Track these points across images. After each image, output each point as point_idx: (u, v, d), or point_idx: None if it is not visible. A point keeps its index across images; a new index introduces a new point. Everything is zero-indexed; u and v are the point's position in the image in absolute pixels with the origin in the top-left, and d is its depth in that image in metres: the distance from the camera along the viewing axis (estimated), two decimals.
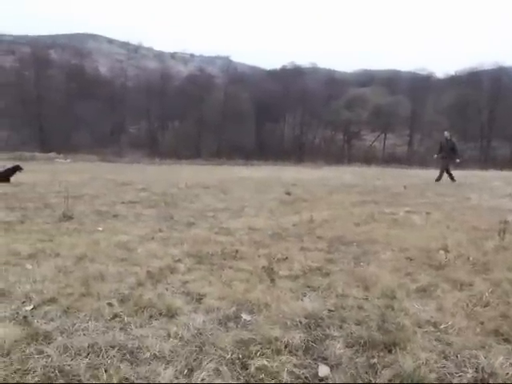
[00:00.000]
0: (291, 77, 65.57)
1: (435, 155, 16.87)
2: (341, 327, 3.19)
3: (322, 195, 11.63)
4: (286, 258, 4.94)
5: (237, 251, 5.12)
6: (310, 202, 10.21)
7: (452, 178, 16.13)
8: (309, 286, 4.05)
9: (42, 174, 17.55)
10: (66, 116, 55.46)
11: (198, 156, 45.41)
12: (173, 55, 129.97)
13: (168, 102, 60.72)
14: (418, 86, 62.36)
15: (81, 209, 8.32)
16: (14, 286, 3.84)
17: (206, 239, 5.80)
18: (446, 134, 16.52)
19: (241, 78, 68.56)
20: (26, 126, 55.20)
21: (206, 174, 19.06)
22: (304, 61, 79.72)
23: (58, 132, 53.71)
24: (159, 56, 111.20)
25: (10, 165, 14.95)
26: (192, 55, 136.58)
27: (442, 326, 3.20)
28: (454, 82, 64.36)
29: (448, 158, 16.14)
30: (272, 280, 4.14)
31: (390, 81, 71.51)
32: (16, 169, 13.90)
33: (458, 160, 16.25)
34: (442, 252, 5.22)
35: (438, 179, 16.11)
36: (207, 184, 13.77)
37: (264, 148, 55.86)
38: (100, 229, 6.50)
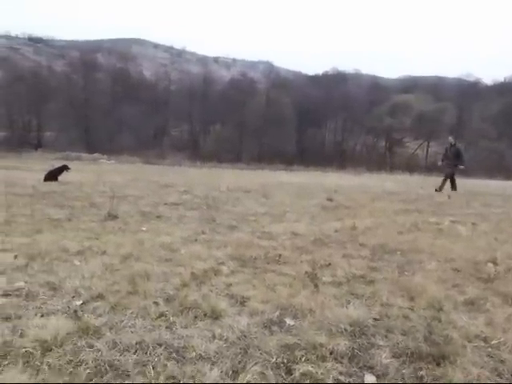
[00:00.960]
0: (333, 82, 65.30)
1: (439, 162, 16.09)
2: (386, 337, 3.14)
3: (364, 202, 11.49)
4: (329, 264, 4.90)
5: (280, 256, 5.12)
6: (352, 208, 10.10)
7: (454, 187, 15.29)
8: (353, 294, 4.01)
9: (87, 173, 18.09)
10: (110, 118, 57.04)
11: (238, 160, 45.76)
12: (216, 59, 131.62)
13: (210, 106, 61.45)
14: (464, 93, 60.87)
15: (125, 209, 8.51)
16: (64, 280, 3.97)
17: (248, 243, 5.83)
18: (451, 139, 15.76)
19: (283, 83, 68.66)
20: (73, 128, 57.02)
21: (247, 178, 19.18)
22: (347, 66, 79.38)
23: (102, 134, 55.29)
24: (202, 60, 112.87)
25: (58, 164, 15.48)
26: (234, 60, 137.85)
27: (493, 342, 3.10)
28: (504, 88, 62.39)
29: (452, 165, 15.31)
30: (316, 286, 4.11)
31: (435, 87, 70.13)
32: (64, 168, 14.38)
33: (461, 166, 15.36)
34: (490, 264, 5.06)
35: (439, 189, 15.25)
36: (248, 188, 13.83)
37: (305, 153, 55.73)
38: (144, 229, 6.63)
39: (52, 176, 13.76)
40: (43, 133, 60.84)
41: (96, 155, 39.17)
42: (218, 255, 5.13)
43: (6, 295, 3.59)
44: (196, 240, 5.99)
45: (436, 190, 15.16)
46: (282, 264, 4.90)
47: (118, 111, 57.69)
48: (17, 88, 56.67)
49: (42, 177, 13.85)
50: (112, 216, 7.41)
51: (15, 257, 4.62)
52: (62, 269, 4.34)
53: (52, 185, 12.48)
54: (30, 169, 21.26)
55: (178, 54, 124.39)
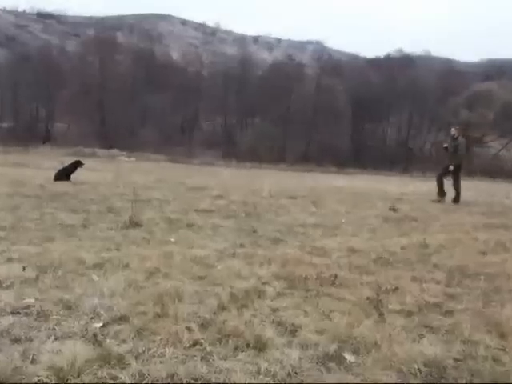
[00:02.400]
0: (398, 67, 64.61)
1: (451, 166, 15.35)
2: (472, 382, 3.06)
3: (435, 214, 11.34)
4: (396, 288, 4.83)
5: (335, 276, 5.08)
6: (421, 221, 9.98)
7: (440, 192, 14.65)
8: (426, 326, 3.93)
9: (103, 172, 18.50)
10: (131, 108, 58.00)
11: (281, 160, 45.81)
12: (255, 39, 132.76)
13: (248, 95, 61.83)
14: None
15: (149, 215, 8.64)
16: (80, 298, 4.05)
17: (297, 260, 5.81)
18: (453, 130, 15.11)
19: (336, 68, 68.46)
20: (87, 118, 58.17)
21: (293, 182, 19.19)
22: (414, 47, 78.60)
23: (122, 126, 56.16)
24: (239, 40, 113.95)
25: (69, 161, 15.85)
26: (278, 40, 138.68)
27: None
28: None
29: (453, 163, 14.59)
30: (380, 314, 4.06)
31: None
32: (77, 165, 14.72)
33: (451, 167, 14.50)
34: None
35: (456, 200, 14.43)
36: (294, 193, 13.84)
37: (361, 153, 55.32)
38: (172, 240, 6.71)
39: (63, 175, 14.12)
40: (53, 124, 62.54)
41: (114, 151, 40.05)
42: (260, 273, 5.14)
43: (14, 313, 3.69)
44: (234, 254, 6.02)
45: (454, 202, 14.33)
46: (339, 286, 4.87)
47: (140, 100, 58.71)
48: (23, 71, 58.56)
49: (52, 175, 14.22)
50: (134, 223, 7.53)
51: (23, 268, 4.75)
52: (77, 284, 4.43)
53: (64, 185, 12.81)
54: (38, 166, 21.92)
55: (210, 33, 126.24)
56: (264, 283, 4.82)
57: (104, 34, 66.56)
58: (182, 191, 13.10)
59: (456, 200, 14.34)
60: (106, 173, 18.12)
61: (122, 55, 67.11)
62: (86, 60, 63.03)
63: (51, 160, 26.24)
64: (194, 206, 10.13)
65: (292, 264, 5.58)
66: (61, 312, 3.77)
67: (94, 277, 4.69)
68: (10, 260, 5.14)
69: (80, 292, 4.21)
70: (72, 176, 14.34)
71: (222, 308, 4.02)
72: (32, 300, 3.94)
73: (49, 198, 10.16)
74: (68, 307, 3.87)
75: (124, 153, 39.87)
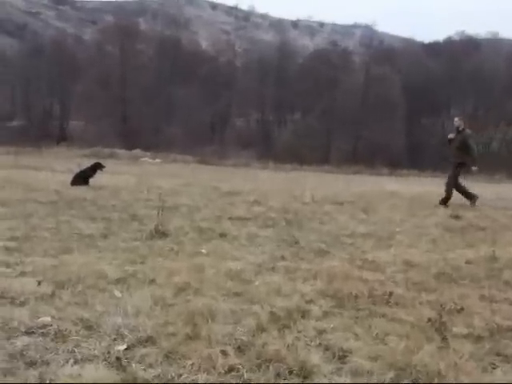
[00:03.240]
0: (460, 52, 63.78)
1: (474, 168, 14.54)
2: None
3: (506, 222, 11.13)
4: (462, 309, 4.75)
5: (390, 294, 5.03)
6: (489, 230, 9.81)
7: (468, 197, 14.02)
8: (499, 354, 3.86)
9: (125, 176, 18.69)
10: (155, 103, 58.57)
11: (326, 161, 45.70)
12: (295, 24, 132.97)
13: (287, 87, 61.89)
14: None
15: (177, 223, 8.72)
16: (102, 317, 4.11)
17: (345, 274, 5.78)
18: (457, 121, 14.42)
19: (388, 55, 68.09)
20: (106, 115, 58.87)
21: (339, 186, 19.07)
22: (479, 28, 77.42)
23: (145, 124, 56.74)
24: (277, 25, 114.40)
25: (87, 163, 16.09)
26: (321, 24, 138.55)
27: None
28: None
29: (456, 163, 14.00)
30: (444, 339, 3.99)
31: None
32: (96, 167, 14.91)
33: (474, 167, 14.07)
34: None
35: (444, 201, 13.87)
36: (341, 199, 13.75)
37: (418, 152, 54.81)
38: (203, 251, 6.76)
39: (81, 178, 14.30)
40: (68, 122, 63.67)
41: (137, 152, 40.40)
42: (304, 290, 5.13)
43: (29, 333, 3.76)
44: (273, 268, 6.03)
45: (440, 203, 13.80)
46: (394, 306, 4.83)
47: (165, 94, 59.35)
48: (35, 63, 59.83)
49: (68, 179, 14.44)
50: (160, 233, 7.60)
51: (38, 283, 4.84)
52: (98, 301, 4.49)
53: (81, 190, 12.99)
54: (53, 168, 22.25)
55: (244, 18, 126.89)
56: (308, 301, 4.82)
57: (124, 20, 67.41)
58: (213, 196, 13.15)
59: (445, 201, 13.88)
60: (129, 176, 18.30)
61: (145, 44, 67.96)
62: (104, 50, 64.02)
63: (67, 162, 26.64)
64: (227, 214, 10.18)
65: (340, 279, 5.55)
66: (80, 332, 3.82)
67: (117, 293, 4.75)
68: (23, 274, 5.24)
69: (101, 310, 4.27)
70: (90, 180, 14.53)
71: (261, 329, 4.02)
72: (48, 318, 4.01)
73: (65, 205, 10.31)
74: (88, 327, 3.92)
75: (148, 153, 40.17)
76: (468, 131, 14.22)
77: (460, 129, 14.14)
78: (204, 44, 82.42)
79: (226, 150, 51.68)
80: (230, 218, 9.68)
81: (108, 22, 78.50)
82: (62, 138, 58.31)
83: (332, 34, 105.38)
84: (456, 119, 14.55)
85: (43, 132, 56.76)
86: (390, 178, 29.52)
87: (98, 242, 7.10)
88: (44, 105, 64.40)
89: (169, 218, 8.96)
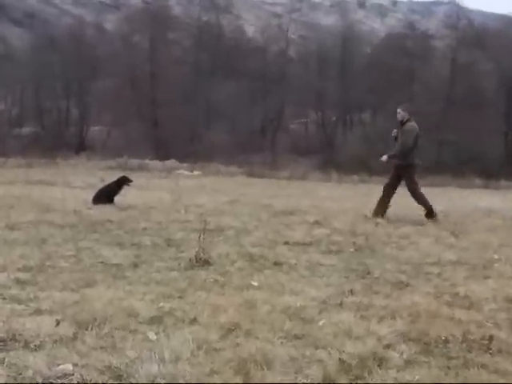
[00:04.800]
0: None
1: (384, 156, 14.14)
2: None
3: None
4: None
5: (490, 338, 4.92)
6: None
7: (427, 210, 13.87)
8: None
9: (158, 192, 18.93)
10: (192, 104, 58.92)
11: None
12: (361, 3, 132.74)
13: (354, 81, 61.66)
14: None
15: (222, 250, 8.74)
16: (133, 364, 4.11)
17: (431, 313, 5.68)
18: (399, 112, 14.07)
19: (480, 38, 66.89)
20: (134, 120, 59.54)
21: None
22: None
23: (180, 129, 57.00)
24: (339, 5, 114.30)
25: (111, 177, 16.32)
26: (394, 2, 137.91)
27: None
28: None
29: (398, 159, 13.87)
30: None
31: None
32: (122, 182, 15.13)
33: (384, 156, 13.89)
34: None
35: (428, 214, 13.82)
36: (422, 218, 13.59)
37: None
38: (255, 283, 6.74)
39: (105, 196, 14.53)
40: (88, 128, 64.57)
41: (171, 163, 40.90)
42: (381, 332, 5.05)
43: None
44: (341, 304, 5.96)
45: (427, 217, 13.76)
46: (496, 354, 4.71)
47: (204, 92, 59.57)
48: (48, 59, 60.90)
49: (90, 197, 14.67)
50: (202, 261, 7.62)
51: (57, 323, 4.88)
52: (129, 345, 4.50)
53: (105, 210, 13.16)
54: (70, 184, 22.71)
55: None
56: (386, 346, 4.74)
57: (154, 4, 68.19)
58: (265, 216, 13.16)
59: (429, 215, 13.80)
60: (162, 192, 18.50)
61: (179, 32, 68.44)
62: (130, 41, 64.51)
63: (87, 176, 27.20)
64: (283, 237, 10.17)
65: (425, 319, 5.46)
66: (108, 382, 3.84)
67: (151, 335, 4.76)
68: (38, 312, 5.28)
69: (132, 356, 4.27)
70: (116, 198, 14.73)
71: (329, 380, 3.98)
72: (69, 366, 4.03)
73: (86, 228, 10.46)
74: (117, 376, 3.94)
75: (184, 165, 40.63)
76: (410, 124, 13.89)
77: (403, 120, 13.99)
78: (250, 31, 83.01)
79: (280, 159, 51.73)
80: (286, 243, 9.68)
81: (134, 6, 79.86)
82: (81, 147, 59.20)
83: (408, 13, 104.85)
84: (398, 110, 14.18)
85: (59, 140, 57.64)
86: (484, 192, 29.17)
87: (127, 272, 7.15)
88: (59, 108, 65.36)
89: (212, 243, 8.99)
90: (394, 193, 14.24)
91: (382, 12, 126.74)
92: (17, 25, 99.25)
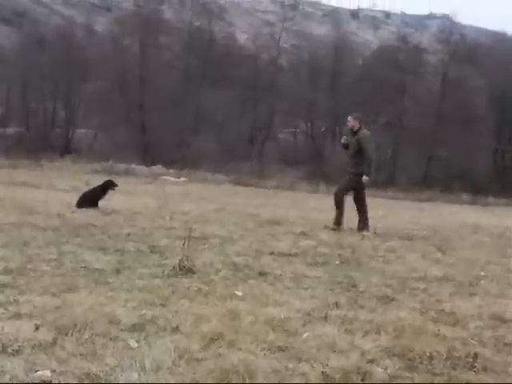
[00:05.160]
0: None
1: (365, 177, 13.88)
2: None
3: None
4: None
5: (475, 356, 4.93)
6: None
7: (362, 220, 13.96)
8: None
9: (143, 197, 18.93)
10: (181, 110, 58.92)
11: (390, 184, 45.52)
12: (354, 14, 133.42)
13: (344, 93, 61.90)
14: None
15: (206, 258, 8.72)
16: (113, 372, 4.09)
17: (416, 329, 5.68)
18: (350, 121, 14.22)
19: (472, 54, 67.38)
20: (121, 123, 59.52)
21: (407, 215, 18.97)
22: None
23: (168, 134, 57.02)
24: (332, 16, 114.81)
25: (96, 181, 16.30)
26: (387, 14, 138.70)
27: None
28: None
29: (353, 173, 13.89)
30: None
31: None
32: (107, 186, 15.10)
33: (365, 178, 13.65)
34: None
35: (338, 221, 13.89)
36: (410, 232, 13.69)
37: (508, 176, 54.07)
38: (239, 293, 6.73)
39: (89, 200, 14.49)
40: (74, 130, 64.47)
41: (156, 168, 40.90)
42: (365, 347, 5.05)
43: None
44: (326, 317, 5.94)
45: (333, 228, 13.72)
46: (481, 372, 4.72)
47: (193, 99, 59.62)
48: (36, 59, 60.81)
49: (74, 200, 14.63)
50: (186, 269, 7.59)
51: (36, 328, 4.86)
52: (109, 352, 4.47)
53: (89, 214, 13.14)
54: (54, 186, 22.64)
55: (292, 6, 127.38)
56: (370, 361, 4.73)
57: (146, 8, 68.09)
58: (251, 226, 13.18)
59: (363, 228, 13.82)
60: (147, 198, 18.50)
61: (170, 37, 68.44)
62: (120, 44, 64.45)
63: (72, 179, 27.15)
64: (268, 248, 10.17)
65: (409, 335, 5.46)
66: None
67: (132, 342, 4.74)
68: (17, 316, 5.25)
69: (113, 363, 4.25)
70: (100, 202, 14.69)
71: None
72: (48, 373, 4.00)
73: (69, 232, 10.43)
74: None
75: (171, 171, 40.64)
76: (364, 132, 13.94)
77: (354, 129, 14.01)
78: (242, 38, 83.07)
79: (267, 169, 51.78)
80: (271, 254, 9.66)
81: (126, 9, 79.81)
82: (66, 149, 59.04)
83: (401, 26, 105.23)
84: (349, 119, 14.30)
85: (44, 142, 57.48)
86: (471, 208, 29.30)
87: (110, 278, 7.12)
88: (46, 109, 65.17)
89: (196, 250, 8.98)
90: (364, 202, 14.26)
91: (374, 24, 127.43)
92: (5, 23, 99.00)
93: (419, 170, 55.36)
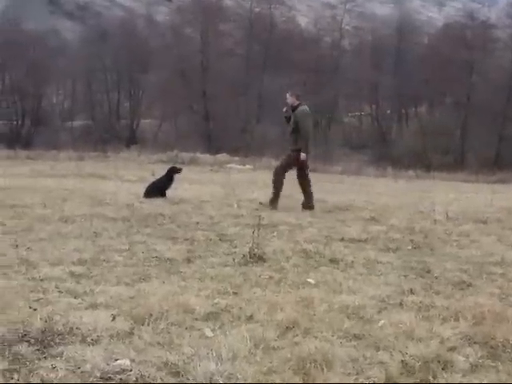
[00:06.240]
0: None
1: (303, 154, 13.69)
2: None
3: None
4: None
5: None
6: None
7: (307, 199, 13.75)
8: None
9: (209, 186, 19.04)
10: (244, 96, 58.94)
11: (460, 166, 44.80)
12: None
13: (410, 74, 60.98)
14: None
15: (276, 246, 8.75)
16: (191, 362, 4.13)
17: (497, 315, 5.54)
18: (288, 97, 13.90)
19: None
20: (185, 112, 59.90)
21: (479, 198, 18.59)
22: None
23: (232, 122, 57.04)
24: None
25: (161, 171, 16.41)
26: None
27: None
28: None
29: (292, 148, 13.77)
30: None
31: None
32: (172, 173, 15.16)
33: (303, 155, 13.41)
34: None
35: (273, 200, 13.72)
36: (483, 216, 13.38)
37: None
38: (311, 281, 6.73)
39: (157, 189, 14.63)
40: (139, 121, 65.18)
41: (221, 156, 40.99)
42: (444, 334, 4.98)
43: (105, 378, 3.84)
44: (401, 304, 5.91)
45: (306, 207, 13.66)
46: None
47: (256, 85, 59.63)
48: (99, 51, 61.66)
49: (142, 190, 14.80)
50: (257, 257, 7.63)
51: (113, 318, 4.95)
52: (186, 341, 4.53)
53: (157, 203, 13.26)
54: (121, 177, 22.92)
55: None
56: (450, 349, 4.66)
57: None
58: (320, 212, 13.15)
59: (308, 205, 13.70)
60: (214, 186, 18.60)
61: (231, 24, 68.52)
62: (181, 33, 64.81)
63: (138, 169, 27.46)
64: (338, 234, 10.14)
65: (490, 322, 5.32)
66: (165, 379, 3.87)
67: (208, 331, 4.80)
68: (94, 306, 5.37)
69: (189, 352, 4.30)
70: (168, 191, 14.82)
71: (392, 383, 3.94)
72: (127, 362, 4.07)
73: (139, 222, 10.56)
74: (175, 373, 3.97)
75: (236, 158, 40.65)
76: (301, 108, 13.66)
77: (294, 104, 13.77)
78: (303, 22, 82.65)
79: (333, 154, 51.46)
80: (342, 240, 9.62)
81: None
82: (131, 140, 59.65)
83: (467, 2, 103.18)
84: (287, 95, 14.04)
85: (110, 133, 58.33)
86: None
87: (181, 267, 7.21)
88: (110, 101, 66.09)
89: (265, 238, 9.00)
90: (305, 179, 14.12)
91: (439, 1, 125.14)
92: (69, 17, 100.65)
93: (490, 151, 54.23)
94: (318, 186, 20.32)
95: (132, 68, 61.75)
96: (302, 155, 13.53)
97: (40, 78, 59.88)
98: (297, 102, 13.78)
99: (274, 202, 13.81)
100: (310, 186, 14.02)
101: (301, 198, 14.02)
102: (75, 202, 12.98)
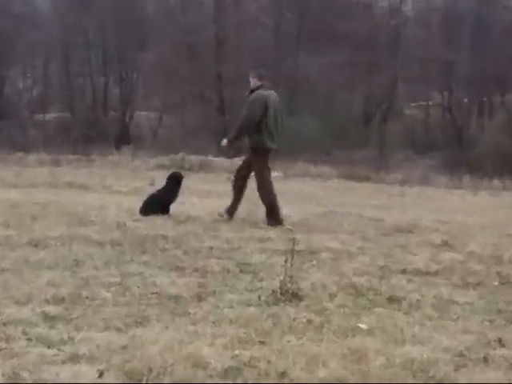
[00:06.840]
0: None
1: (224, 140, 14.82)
2: None
3: None
4: None
5: None
6: None
7: (266, 204, 14.49)
8: None
9: (225, 199, 18.97)
10: (272, 81, 58.47)
11: None
12: None
13: (495, 50, 60.59)
14: None
15: (316, 279, 8.75)
16: None
17: None
18: (251, 80, 14.43)
19: None
20: (194, 101, 59.76)
21: None
22: None
23: None
24: None
25: (163, 178, 16.45)
26: None
27: None
28: None
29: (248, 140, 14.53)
30: None
31: None
32: (176, 182, 15.20)
33: (224, 140, 14.76)
34: None
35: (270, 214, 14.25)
36: None
37: None
38: (363, 326, 6.69)
39: (157, 204, 14.66)
40: (133, 113, 64.81)
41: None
42: None
43: None
44: (486, 359, 5.83)
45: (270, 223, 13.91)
46: None
47: (287, 65, 59.54)
48: (80, 21, 61.21)
49: (137, 206, 14.82)
50: (290, 294, 7.59)
51: (100, 373, 4.93)
52: None
53: (158, 222, 13.30)
54: (110, 188, 23.01)
55: None
56: None
57: None
58: (373, 235, 13.15)
59: (272, 219, 14.11)
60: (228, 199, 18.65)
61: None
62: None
63: (132, 178, 27.55)
64: (399, 264, 10.14)
65: None
66: None
67: None
68: (74, 358, 5.32)
69: None
70: (172, 207, 14.83)
71: None
72: None
73: (133, 247, 10.59)
74: None
75: None
76: (256, 92, 14.17)
77: (253, 87, 14.38)
78: None
79: (390, 158, 51.23)
80: (403, 272, 9.62)
81: None
82: (123, 139, 59.17)
83: None
84: (250, 78, 14.59)
85: (94, 130, 58.00)
86: None
87: (190, 307, 7.18)
88: (94, 86, 65.54)
89: (302, 269, 9.00)
90: (245, 185, 14.86)
91: None
92: None
93: None
94: (370, 201, 20.39)
95: (124, 43, 61.44)
96: (223, 141, 14.74)
97: (1, 55, 59.86)
98: (256, 85, 14.30)
99: (273, 217, 14.34)
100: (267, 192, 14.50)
101: (350, 214, 14.03)
102: (49, 220, 13.04)
